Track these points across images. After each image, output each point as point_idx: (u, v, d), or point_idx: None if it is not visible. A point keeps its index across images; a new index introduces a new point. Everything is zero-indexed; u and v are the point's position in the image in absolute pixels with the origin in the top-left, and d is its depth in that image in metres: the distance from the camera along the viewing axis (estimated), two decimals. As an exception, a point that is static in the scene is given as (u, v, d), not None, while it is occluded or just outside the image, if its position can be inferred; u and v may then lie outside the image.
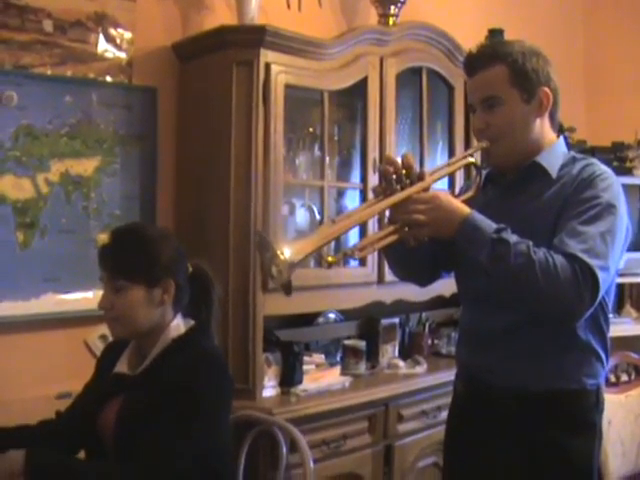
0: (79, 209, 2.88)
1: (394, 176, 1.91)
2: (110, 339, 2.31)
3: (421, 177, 1.93)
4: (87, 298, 2.81)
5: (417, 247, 1.96)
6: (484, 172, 2.17)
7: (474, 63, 2.07)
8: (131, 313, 2.04)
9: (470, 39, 3.67)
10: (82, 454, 2.15)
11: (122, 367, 2.14)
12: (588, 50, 5.38)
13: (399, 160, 1.93)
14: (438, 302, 3.70)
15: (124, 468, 1.92)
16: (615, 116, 5.10)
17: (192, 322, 2.16)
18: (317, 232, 1.90)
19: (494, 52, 2.04)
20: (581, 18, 5.39)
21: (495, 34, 3.87)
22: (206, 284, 2.23)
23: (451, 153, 3.73)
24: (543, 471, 1.98)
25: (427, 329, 3.93)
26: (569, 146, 2.17)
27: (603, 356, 2.02)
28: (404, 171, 1.91)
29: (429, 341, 3.89)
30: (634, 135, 4.81)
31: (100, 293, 2.09)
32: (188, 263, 2.17)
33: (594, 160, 2.04)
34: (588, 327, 1.96)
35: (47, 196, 2.79)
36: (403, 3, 3.61)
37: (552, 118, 2.09)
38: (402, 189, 1.90)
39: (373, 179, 3.30)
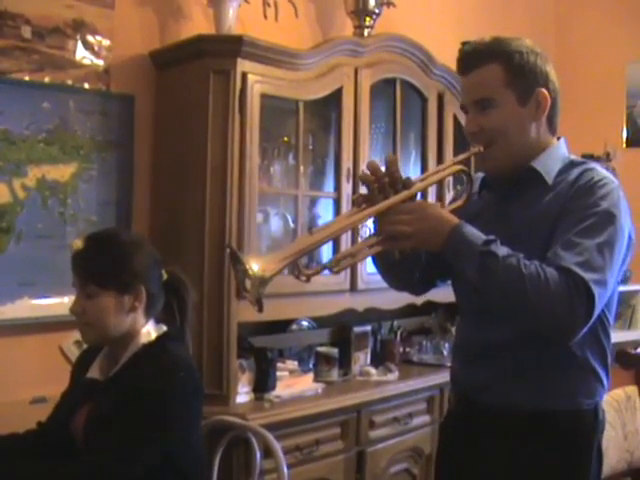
0: (55, 215, 2.88)
1: (376, 184, 1.79)
2: (85, 345, 2.32)
3: (407, 185, 1.81)
4: (62, 303, 2.79)
5: (404, 258, 1.88)
6: (480, 176, 2.07)
7: (467, 61, 1.94)
8: (101, 319, 2.04)
9: (444, 51, 3.75)
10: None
11: (94, 373, 2.14)
12: (559, 63, 5.40)
13: (382, 167, 1.81)
14: (409, 310, 3.75)
15: (74, 469, 1.92)
16: (585, 129, 5.17)
17: (164, 328, 2.16)
18: (293, 244, 1.83)
19: (488, 50, 1.91)
20: (553, 32, 5.48)
21: (468, 47, 3.92)
22: (181, 291, 2.23)
23: (424, 163, 3.78)
24: None
25: (399, 337, 3.98)
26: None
27: (602, 374, 1.89)
28: (387, 178, 1.79)
29: (400, 349, 3.93)
30: (603, 147, 4.89)
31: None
32: (163, 270, 2.17)
33: (594, 165, 1.91)
34: (586, 343, 1.82)
35: (24, 201, 2.79)
36: (378, 15, 3.66)
37: (550, 121, 1.95)
38: (385, 198, 1.79)
39: (347, 188, 3.34)
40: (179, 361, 2.07)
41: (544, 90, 1.91)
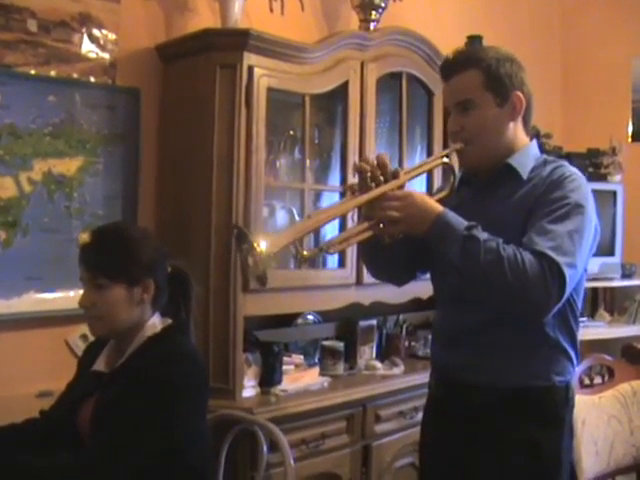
0: (61, 208, 2.88)
1: (369, 174, 1.97)
2: (91, 338, 2.33)
3: (395, 175, 1.99)
4: (68, 297, 2.81)
5: (391, 246, 2.03)
6: (458, 173, 2.23)
7: (450, 68, 2.13)
8: (112, 311, 2.06)
9: (449, 45, 3.71)
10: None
11: (100, 365, 2.16)
12: (565, 58, 5.46)
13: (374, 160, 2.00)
14: (415, 304, 3.74)
15: (80, 462, 1.93)
16: (590, 123, 5.18)
17: (169, 321, 2.18)
18: (293, 226, 1.94)
19: (469, 58, 2.10)
20: (558, 26, 5.47)
21: (474, 41, 3.91)
22: (185, 284, 2.25)
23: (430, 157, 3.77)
24: (513, 465, 2.02)
25: (404, 331, 3.98)
26: (542, 149, 2.23)
27: (572, 354, 2.07)
28: (379, 170, 1.98)
29: (406, 343, 3.93)
30: (609, 142, 4.89)
31: (81, 292, 2.10)
32: (167, 263, 2.19)
33: (564, 162, 2.10)
34: (557, 325, 2.02)
35: (30, 195, 2.79)
36: (384, 9, 3.65)
37: (525, 122, 2.14)
38: (377, 186, 1.96)
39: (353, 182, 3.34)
40: (185, 353, 2.10)
41: (519, 93, 2.09)
